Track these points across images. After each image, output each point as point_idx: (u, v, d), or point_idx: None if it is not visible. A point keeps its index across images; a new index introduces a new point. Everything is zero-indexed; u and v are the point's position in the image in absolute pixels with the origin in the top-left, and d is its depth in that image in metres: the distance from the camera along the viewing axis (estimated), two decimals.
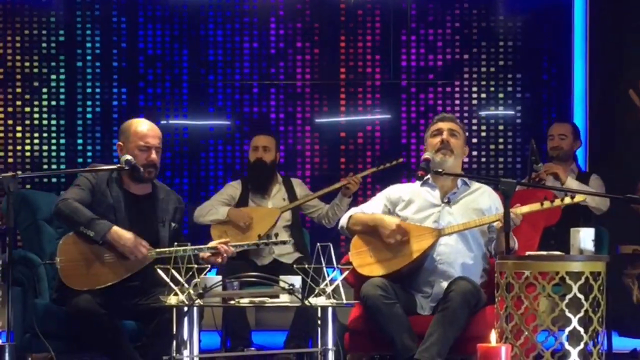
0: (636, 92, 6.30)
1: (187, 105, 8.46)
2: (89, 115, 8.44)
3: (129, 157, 4.95)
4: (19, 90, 8.42)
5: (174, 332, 4.13)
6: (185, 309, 4.11)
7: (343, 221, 5.14)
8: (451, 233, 4.89)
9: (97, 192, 4.98)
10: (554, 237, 5.60)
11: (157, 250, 4.90)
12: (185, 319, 4.13)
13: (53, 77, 8.44)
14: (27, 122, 8.41)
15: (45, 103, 8.43)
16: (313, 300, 4.10)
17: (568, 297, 4.11)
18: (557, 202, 4.77)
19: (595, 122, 8.06)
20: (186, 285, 4.09)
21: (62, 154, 8.43)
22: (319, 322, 4.14)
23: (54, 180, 8.28)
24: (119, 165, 4.96)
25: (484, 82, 8.39)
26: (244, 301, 4.21)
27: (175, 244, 4.88)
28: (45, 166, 8.39)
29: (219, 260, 4.95)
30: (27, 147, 8.40)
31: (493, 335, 3.48)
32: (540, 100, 8.41)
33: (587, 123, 8.07)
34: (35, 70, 8.43)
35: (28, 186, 8.26)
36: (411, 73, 8.41)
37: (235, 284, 4.27)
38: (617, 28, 7.96)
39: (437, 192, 5.07)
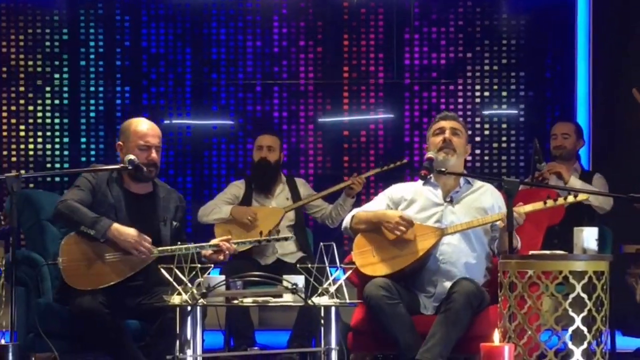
0: (639, 91, 6.28)
1: (190, 104, 8.46)
2: (92, 114, 8.44)
3: (132, 156, 4.96)
4: (22, 89, 8.43)
5: (177, 332, 4.14)
6: (189, 308, 4.11)
7: (346, 221, 5.13)
8: (454, 232, 4.88)
9: (98, 192, 4.99)
10: (557, 236, 5.59)
11: (159, 248, 4.91)
12: (189, 319, 4.13)
13: (56, 75, 8.44)
14: (31, 120, 8.42)
15: (48, 102, 8.43)
16: (316, 300, 4.10)
17: (571, 296, 4.10)
18: (561, 200, 4.77)
19: (598, 121, 8.05)
20: (189, 284, 4.10)
21: (66, 152, 8.44)
22: (322, 321, 4.14)
23: (57, 179, 8.28)
24: (122, 164, 4.97)
25: (487, 81, 8.38)
26: (248, 301, 4.21)
27: (179, 243, 4.91)
28: (49, 165, 8.39)
29: (221, 257, 4.96)
30: (31, 146, 8.41)
31: (496, 335, 3.48)
32: (543, 99, 8.40)
33: (590, 122, 8.07)
34: (39, 69, 8.43)
35: (31, 185, 8.27)
36: (414, 71, 8.41)
37: (239, 283, 4.26)
38: (620, 27, 7.95)
39: (440, 191, 5.07)
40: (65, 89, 8.44)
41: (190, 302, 4.08)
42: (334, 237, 4.64)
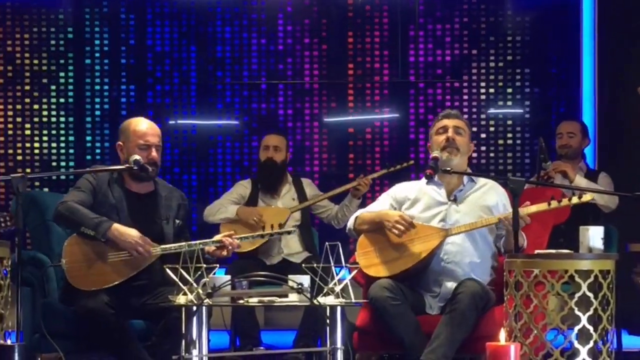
0: None
1: (195, 102, 8.46)
2: (97, 113, 8.45)
3: (137, 156, 4.97)
4: (27, 87, 8.43)
5: (183, 332, 4.14)
6: (194, 308, 4.11)
7: (350, 223, 5.13)
8: (458, 233, 4.87)
9: (99, 193, 4.99)
10: (563, 235, 5.59)
11: (162, 246, 4.92)
12: (194, 319, 4.14)
13: (61, 74, 8.45)
14: (36, 119, 8.43)
15: (54, 100, 8.44)
16: (322, 300, 4.11)
17: (577, 295, 4.10)
18: (565, 202, 4.75)
19: (603, 120, 8.03)
20: (195, 284, 4.10)
21: (71, 151, 8.44)
22: (328, 321, 4.14)
23: (62, 177, 8.28)
24: (127, 165, 4.97)
25: (492, 77, 8.37)
26: (253, 300, 4.21)
27: (182, 241, 4.91)
28: (54, 163, 8.40)
29: (225, 253, 4.97)
30: (36, 145, 8.42)
31: (502, 334, 3.48)
32: (548, 95, 8.39)
33: (595, 121, 8.05)
34: (44, 67, 8.44)
35: (37, 183, 8.28)
36: (419, 69, 8.40)
37: (244, 283, 4.27)
38: (625, 24, 7.93)
39: (443, 190, 5.05)
40: (71, 87, 8.45)
41: (195, 302, 4.08)
42: (339, 237, 4.63)
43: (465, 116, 8.16)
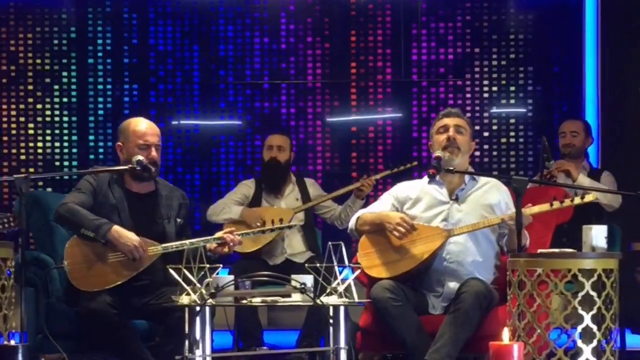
0: None
1: (198, 101, 8.46)
2: (100, 112, 8.45)
3: (140, 157, 4.97)
4: (30, 87, 8.43)
5: (186, 332, 4.14)
6: (198, 308, 4.11)
7: (351, 223, 5.12)
8: (460, 234, 4.87)
9: (99, 194, 5.00)
10: (566, 234, 5.58)
11: (163, 245, 4.92)
12: (198, 319, 4.14)
13: (64, 74, 8.45)
14: (39, 119, 8.43)
15: (56, 100, 8.44)
16: (325, 299, 4.11)
17: (580, 294, 4.10)
18: (567, 202, 4.74)
19: (606, 119, 8.01)
20: (198, 285, 4.10)
21: (74, 150, 8.44)
22: (331, 321, 4.14)
23: (66, 177, 8.29)
24: (130, 165, 4.98)
25: (495, 76, 8.36)
26: (256, 300, 4.21)
27: (184, 239, 4.91)
28: (57, 163, 8.41)
29: (226, 249, 4.98)
30: (39, 144, 8.42)
31: (505, 333, 3.48)
32: (551, 93, 8.38)
33: (598, 119, 8.03)
34: (47, 67, 8.44)
35: (40, 183, 8.29)
36: (422, 67, 8.39)
37: (247, 283, 4.26)
38: (628, 23, 7.91)
39: (445, 189, 5.04)
40: (74, 87, 8.45)
41: (199, 302, 4.08)
42: (342, 236, 4.64)
43: (468, 115, 8.22)
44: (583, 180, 6.25)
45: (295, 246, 6.50)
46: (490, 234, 4.98)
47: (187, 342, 4.13)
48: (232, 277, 4.25)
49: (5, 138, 8.39)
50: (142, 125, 5.11)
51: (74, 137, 8.44)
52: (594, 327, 4.11)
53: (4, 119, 8.39)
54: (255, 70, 8.43)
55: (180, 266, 4.12)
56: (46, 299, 4.99)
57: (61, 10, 8.43)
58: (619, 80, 7.94)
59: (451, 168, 4.87)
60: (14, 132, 8.41)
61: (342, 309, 4.14)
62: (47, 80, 8.43)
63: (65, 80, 8.44)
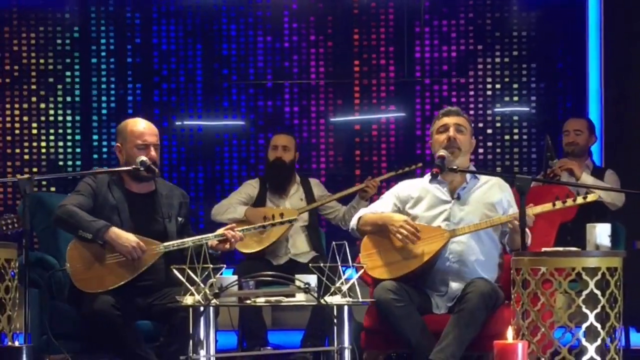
0: None
1: (201, 100, 8.46)
2: (104, 111, 8.46)
3: (143, 157, 4.97)
4: (34, 87, 8.45)
5: (191, 332, 4.14)
6: (202, 308, 4.12)
7: (353, 223, 5.10)
8: (462, 234, 4.86)
9: (99, 196, 5.00)
10: (570, 233, 5.58)
11: (165, 244, 4.92)
12: (202, 319, 4.14)
13: (68, 73, 8.46)
14: (43, 118, 8.45)
15: (60, 99, 8.46)
16: (329, 299, 4.10)
17: (585, 293, 4.09)
18: (569, 202, 4.73)
19: (610, 117, 8.01)
20: (202, 285, 4.10)
21: (78, 150, 8.46)
22: (335, 320, 4.14)
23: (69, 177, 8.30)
24: (134, 166, 4.98)
25: (498, 73, 8.36)
26: (260, 301, 4.21)
27: (185, 237, 4.92)
28: (61, 162, 8.42)
29: (227, 246, 4.99)
30: (43, 144, 8.43)
31: (510, 332, 3.47)
32: (555, 90, 8.37)
33: (602, 118, 8.03)
34: (50, 67, 8.46)
35: (44, 182, 8.29)
36: (425, 65, 8.39)
37: (251, 283, 4.26)
38: (631, 20, 7.90)
39: (447, 188, 5.02)
40: (77, 86, 8.47)
41: (203, 302, 4.08)
42: (346, 236, 4.64)
43: (472, 112, 8.21)
44: (586, 178, 6.25)
45: (299, 246, 6.50)
46: (492, 232, 4.95)
47: (191, 343, 4.12)
48: (236, 277, 4.26)
49: (9, 138, 8.41)
50: (140, 126, 5.11)
51: (77, 137, 8.46)
52: (598, 326, 4.11)
53: (8, 119, 8.41)
54: (258, 69, 8.44)
55: (184, 266, 4.12)
56: (50, 300, 4.99)
57: (64, 10, 8.44)
58: (622, 77, 7.94)
59: (455, 167, 4.86)
60: (17, 131, 8.43)
61: (346, 308, 4.13)
62: (51, 79, 8.45)
63: (68, 79, 8.46)
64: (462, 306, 4.62)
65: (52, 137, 8.44)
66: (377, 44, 8.43)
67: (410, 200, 5.06)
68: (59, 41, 8.44)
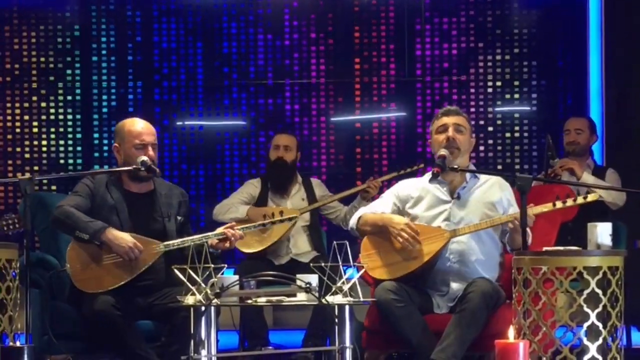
0: None
1: (202, 99, 8.46)
2: (104, 110, 8.46)
3: (144, 157, 4.97)
4: (34, 85, 8.44)
5: (192, 332, 4.14)
6: (203, 308, 4.12)
7: (352, 222, 5.09)
8: (462, 234, 4.85)
9: (97, 196, 5.00)
10: (570, 232, 5.58)
11: (165, 243, 4.92)
12: (203, 319, 4.14)
13: (68, 72, 8.45)
14: (43, 117, 8.44)
15: (61, 98, 8.45)
16: (330, 299, 4.10)
17: (586, 292, 4.09)
18: (570, 202, 4.73)
19: (611, 116, 8.00)
20: (203, 285, 4.10)
21: (79, 148, 8.45)
22: (337, 320, 4.14)
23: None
24: (135, 166, 4.98)
25: (499, 70, 8.35)
26: (261, 300, 4.21)
27: (185, 237, 4.92)
28: (62, 161, 8.41)
29: (227, 245, 4.98)
30: (44, 143, 8.43)
31: (511, 331, 3.47)
32: (556, 88, 8.36)
33: (603, 116, 8.02)
34: (51, 65, 8.45)
35: (45, 181, 8.29)
36: (426, 62, 8.38)
37: (252, 283, 4.26)
38: (632, 18, 7.89)
39: (447, 188, 5.01)
40: (78, 84, 8.46)
41: (204, 302, 4.08)
42: (347, 236, 4.64)
43: (472, 110, 8.21)
44: (587, 178, 6.25)
45: (300, 246, 6.50)
46: (492, 231, 4.95)
47: (192, 342, 4.13)
48: (237, 277, 4.26)
49: (9, 136, 8.40)
50: (137, 125, 5.11)
51: (78, 135, 8.45)
52: (600, 325, 4.11)
53: (9, 118, 8.40)
54: (259, 67, 8.43)
55: (185, 266, 4.12)
56: (51, 300, 4.99)
57: (65, 9, 8.43)
58: (623, 75, 7.93)
59: (456, 166, 4.85)
60: (18, 130, 8.42)
61: (347, 308, 4.14)
62: (51, 78, 8.45)
63: (69, 78, 8.45)
64: (464, 306, 4.61)
65: (52, 136, 8.44)
66: (377, 42, 8.42)
67: (410, 200, 5.06)
68: (59, 40, 8.44)
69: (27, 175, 4.53)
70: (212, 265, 4.10)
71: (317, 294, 4.07)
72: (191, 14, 8.45)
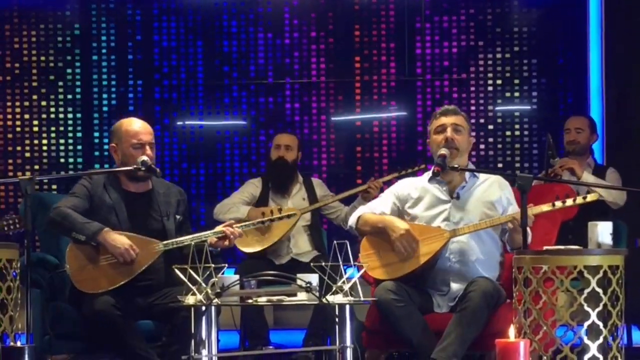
0: None
1: (202, 97, 8.46)
2: (104, 109, 8.45)
3: (144, 157, 4.97)
4: (35, 84, 8.44)
5: (192, 332, 4.14)
6: (203, 308, 4.12)
7: (352, 221, 5.07)
8: (462, 234, 4.85)
9: (94, 197, 5.00)
10: (571, 231, 5.58)
11: (164, 242, 4.92)
12: (204, 319, 4.14)
13: (69, 70, 8.45)
14: (44, 116, 8.44)
15: (61, 97, 8.45)
16: (330, 298, 4.10)
17: (586, 291, 4.10)
18: (569, 202, 4.72)
19: (611, 115, 8.00)
20: (204, 284, 4.10)
21: (79, 147, 8.45)
22: (337, 319, 4.14)
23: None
24: (135, 166, 4.97)
25: (499, 69, 8.35)
26: (262, 300, 4.21)
27: (187, 237, 4.92)
28: (62, 160, 8.41)
29: (227, 243, 4.98)
30: (44, 142, 8.43)
31: (511, 331, 3.47)
32: (556, 86, 8.36)
33: (603, 115, 8.02)
34: (51, 64, 8.45)
35: (45, 180, 8.29)
36: (426, 61, 8.38)
37: (253, 282, 4.26)
38: (633, 16, 7.89)
39: (446, 187, 5.00)
40: (78, 83, 8.46)
41: (204, 302, 4.08)
42: (347, 236, 4.64)
43: (472, 108, 8.21)
44: (587, 177, 6.25)
45: (301, 246, 6.50)
46: (492, 230, 4.94)
47: (193, 342, 4.13)
48: (237, 276, 4.25)
49: (9, 135, 8.40)
50: (134, 125, 5.10)
51: (79, 134, 8.45)
52: (600, 324, 4.11)
53: (9, 117, 8.41)
54: (259, 66, 8.43)
55: (185, 266, 4.12)
56: (51, 300, 4.99)
57: (65, 8, 8.43)
58: (624, 74, 7.92)
59: (456, 166, 4.85)
60: (18, 129, 8.42)
61: (347, 307, 4.14)
62: (52, 77, 8.45)
63: (69, 77, 8.45)
64: (464, 305, 4.61)
65: (53, 135, 8.43)
66: (378, 41, 8.42)
67: (409, 199, 5.05)
68: (59, 39, 8.43)
69: (28, 174, 4.52)
70: (213, 265, 4.10)
71: (317, 294, 4.07)
72: (191, 12, 8.45)
